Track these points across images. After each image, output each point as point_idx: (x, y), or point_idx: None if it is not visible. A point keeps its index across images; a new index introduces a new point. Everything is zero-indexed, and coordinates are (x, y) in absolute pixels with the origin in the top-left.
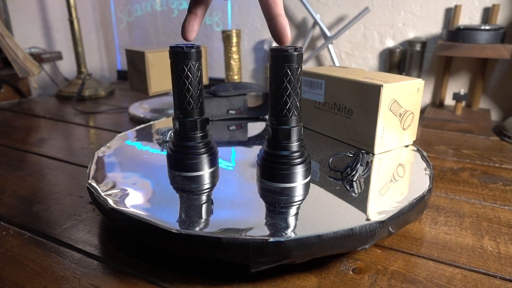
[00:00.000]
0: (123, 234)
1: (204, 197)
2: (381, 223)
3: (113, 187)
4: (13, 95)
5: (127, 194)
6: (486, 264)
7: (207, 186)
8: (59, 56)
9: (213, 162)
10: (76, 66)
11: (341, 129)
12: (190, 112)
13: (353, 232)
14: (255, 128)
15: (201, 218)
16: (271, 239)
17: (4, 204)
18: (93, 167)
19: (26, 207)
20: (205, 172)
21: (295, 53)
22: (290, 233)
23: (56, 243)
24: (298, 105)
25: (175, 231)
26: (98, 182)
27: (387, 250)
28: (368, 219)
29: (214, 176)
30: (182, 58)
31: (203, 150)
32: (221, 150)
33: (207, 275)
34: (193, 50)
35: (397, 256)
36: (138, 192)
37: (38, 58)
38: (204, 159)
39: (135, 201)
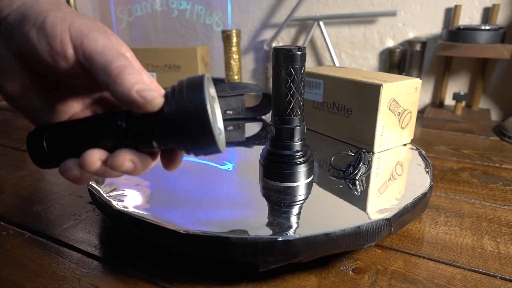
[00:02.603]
0: (125, 234)
1: (206, 197)
2: (387, 220)
3: (115, 188)
4: None
5: (130, 196)
6: (486, 264)
7: (209, 186)
8: None
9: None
10: None
11: (340, 129)
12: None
13: (360, 229)
14: (253, 128)
15: (208, 218)
16: (280, 238)
17: (4, 204)
18: None
19: (26, 207)
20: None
21: (299, 52)
22: (298, 232)
23: (56, 243)
24: (301, 105)
25: (183, 232)
26: (99, 183)
27: (387, 250)
28: (374, 217)
29: (214, 178)
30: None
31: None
32: None
33: (207, 275)
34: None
35: (397, 256)
36: (140, 193)
37: None
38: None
39: (137, 202)
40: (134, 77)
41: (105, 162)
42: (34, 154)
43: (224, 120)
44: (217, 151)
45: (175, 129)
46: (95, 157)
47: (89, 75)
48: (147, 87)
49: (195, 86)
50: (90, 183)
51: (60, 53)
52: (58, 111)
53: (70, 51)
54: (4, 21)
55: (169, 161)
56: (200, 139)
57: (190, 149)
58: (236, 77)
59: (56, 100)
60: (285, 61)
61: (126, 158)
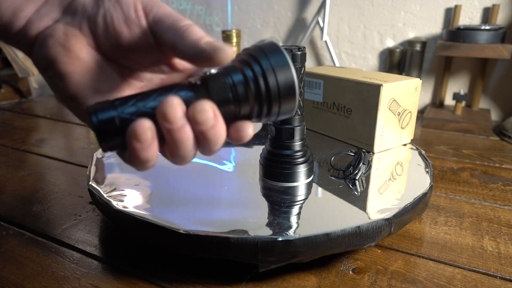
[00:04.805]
0: (125, 234)
1: (206, 197)
2: (387, 220)
3: (115, 188)
4: (13, 95)
5: (130, 195)
6: (486, 264)
7: (209, 186)
8: None
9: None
10: None
11: (340, 129)
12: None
13: (360, 229)
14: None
15: (208, 218)
16: (280, 238)
17: (4, 204)
18: (93, 168)
19: (26, 207)
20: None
21: (299, 52)
22: (298, 232)
23: (56, 243)
24: (301, 105)
25: (183, 232)
26: (99, 184)
27: (387, 250)
28: (374, 217)
29: (214, 178)
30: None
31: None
32: (220, 151)
33: (207, 275)
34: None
35: (397, 256)
36: (140, 193)
37: None
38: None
39: (138, 202)
40: (201, 32)
41: (185, 114)
42: (103, 132)
43: None
44: (292, 113)
45: (260, 93)
46: (175, 101)
47: (157, 44)
48: (215, 40)
49: (274, 49)
50: (90, 183)
51: (134, 20)
52: (113, 96)
53: (143, 18)
54: (74, 1)
55: (238, 130)
56: (285, 101)
57: (271, 112)
58: None
59: (116, 85)
60: None
61: (208, 105)
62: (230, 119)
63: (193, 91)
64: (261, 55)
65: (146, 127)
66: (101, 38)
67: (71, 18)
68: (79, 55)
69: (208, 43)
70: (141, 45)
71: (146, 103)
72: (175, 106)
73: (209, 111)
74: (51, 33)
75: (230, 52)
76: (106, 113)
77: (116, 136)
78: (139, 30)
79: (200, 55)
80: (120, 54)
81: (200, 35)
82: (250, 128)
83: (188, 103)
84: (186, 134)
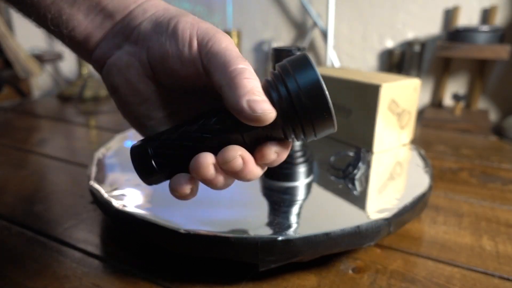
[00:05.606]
0: (125, 234)
1: (207, 197)
2: (386, 220)
3: (116, 188)
4: (15, 96)
5: (130, 195)
6: (484, 263)
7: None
8: (60, 57)
9: None
10: (77, 66)
11: (339, 129)
12: None
13: (360, 229)
14: None
15: (208, 218)
16: (280, 238)
17: (6, 204)
18: (94, 168)
19: (28, 206)
20: None
21: (299, 53)
22: (298, 232)
23: (58, 242)
24: None
25: (183, 231)
26: (100, 183)
27: (386, 250)
28: (373, 217)
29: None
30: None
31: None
32: None
33: (207, 275)
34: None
35: (396, 255)
36: (140, 192)
37: (39, 59)
38: None
39: (138, 202)
40: (250, 82)
41: (216, 166)
42: (142, 172)
43: None
44: (333, 129)
45: (289, 114)
46: (208, 160)
47: (209, 80)
48: (260, 99)
49: (302, 64)
50: (91, 183)
51: (188, 57)
52: (170, 122)
53: (197, 56)
54: (136, 29)
55: (259, 153)
56: (317, 118)
57: (304, 133)
58: None
59: (170, 110)
60: None
61: (237, 153)
62: (263, 143)
63: (221, 124)
64: (285, 70)
65: (181, 184)
66: (159, 71)
67: (133, 47)
68: (138, 87)
69: (249, 104)
70: (197, 83)
71: (176, 149)
72: (207, 166)
73: (237, 159)
74: (115, 62)
75: (271, 117)
76: (143, 155)
77: (155, 176)
78: (193, 68)
79: (239, 114)
80: (178, 86)
81: (247, 88)
82: (274, 146)
83: (219, 146)
84: (220, 181)
